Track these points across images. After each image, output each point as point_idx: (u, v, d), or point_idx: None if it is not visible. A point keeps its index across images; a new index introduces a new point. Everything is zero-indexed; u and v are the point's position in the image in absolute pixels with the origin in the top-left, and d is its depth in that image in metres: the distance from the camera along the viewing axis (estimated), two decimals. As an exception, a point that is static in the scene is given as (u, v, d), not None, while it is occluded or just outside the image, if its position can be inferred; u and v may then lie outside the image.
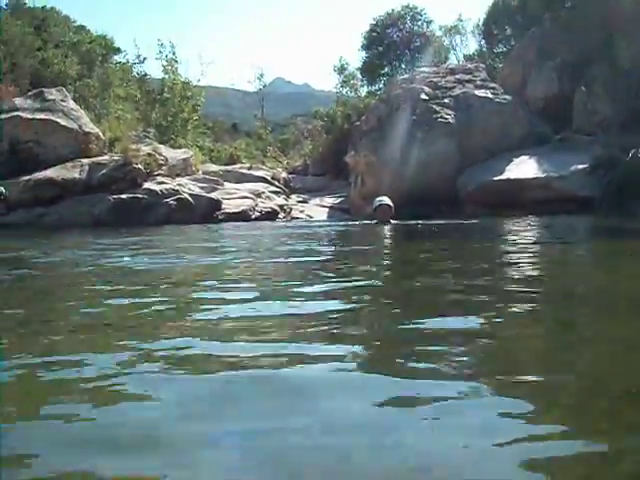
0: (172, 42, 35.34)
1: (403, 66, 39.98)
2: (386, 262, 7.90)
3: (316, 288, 4.96)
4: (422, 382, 2.41)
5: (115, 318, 3.95)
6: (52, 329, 3.65)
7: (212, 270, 6.77)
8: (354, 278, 5.59)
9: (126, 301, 4.48)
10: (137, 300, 4.50)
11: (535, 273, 6.02)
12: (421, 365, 2.63)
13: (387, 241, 11.70)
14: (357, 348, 2.95)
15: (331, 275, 6.03)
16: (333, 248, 10.15)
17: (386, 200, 15.63)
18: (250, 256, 8.49)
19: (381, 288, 5.27)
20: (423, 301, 4.39)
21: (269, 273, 6.52)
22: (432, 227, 14.27)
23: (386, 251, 9.66)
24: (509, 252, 8.17)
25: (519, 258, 7.27)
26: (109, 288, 5.26)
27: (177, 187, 19.19)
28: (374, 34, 41.95)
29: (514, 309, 3.90)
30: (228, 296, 4.59)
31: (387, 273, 6.65)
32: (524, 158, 19.53)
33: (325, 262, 7.64)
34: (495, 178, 18.80)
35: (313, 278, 5.77)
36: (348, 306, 4.15)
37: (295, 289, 4.94)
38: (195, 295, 4.89)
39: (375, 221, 15.50)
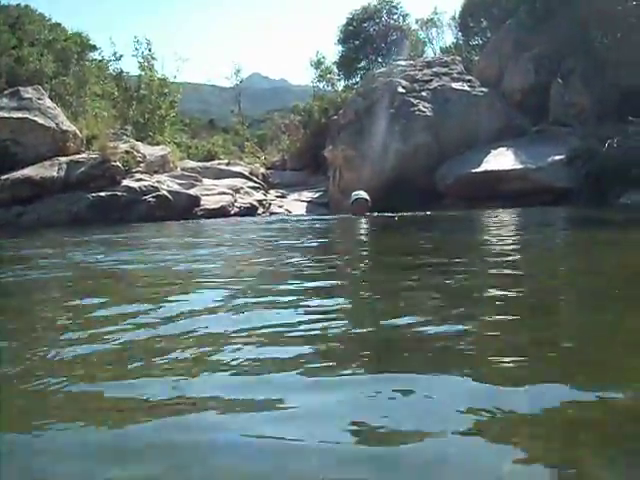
0: (148, 39, 35.21)
1: (380, 60, 39.99)
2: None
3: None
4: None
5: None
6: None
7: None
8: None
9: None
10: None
11: (506, 262, 6.03)
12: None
13: (362, 234, 11.71)
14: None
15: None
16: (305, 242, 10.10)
17: (363, 194, 15.89)
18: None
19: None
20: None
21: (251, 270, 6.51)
22: (400, 219, 14.44)
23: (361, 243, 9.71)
24: (480, 242, 8.26)
25: (488, 247, 7.35)
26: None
27: (156, 184, 19.16)
28: (350, 28, 41.92)
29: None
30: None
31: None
32: (502, 150, 19.60)
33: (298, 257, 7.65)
34: (473, 170, 18.86)
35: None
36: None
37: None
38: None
39: (352, 215, 15.68)
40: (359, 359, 2.74)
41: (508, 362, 2.56)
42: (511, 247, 7.40)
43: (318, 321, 3.31)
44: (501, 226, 11.25)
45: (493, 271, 5.33)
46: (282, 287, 4.82)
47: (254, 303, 4.07)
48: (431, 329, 3.03)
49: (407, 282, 4.73)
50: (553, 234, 9.58)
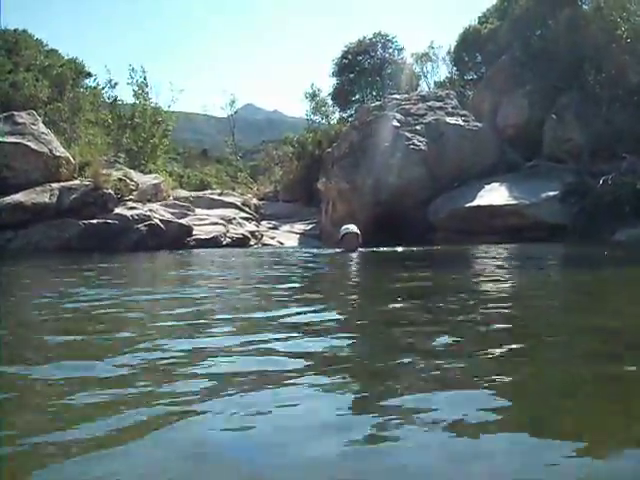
0: (143, 67, 35.17)
1: (374, 93, 40.13)
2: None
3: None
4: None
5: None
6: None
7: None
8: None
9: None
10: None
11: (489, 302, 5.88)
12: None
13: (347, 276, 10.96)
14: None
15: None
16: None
17: (352, 228, 15.60)
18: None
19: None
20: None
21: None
22: (391, 254, 14.27)
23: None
24: (471, 283, 8.02)
25: (479, 290, 7.16)
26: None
27: (148, 213, 19.01)
28: (345, 61, 42.08)
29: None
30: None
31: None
32: (495, 185, 19.61)
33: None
34: (466, 205, 18.84)
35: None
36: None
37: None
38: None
39: (342, 249, 15.40)
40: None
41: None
42: (499, 289, 7.13)
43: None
44: (494, 264, 11.08)
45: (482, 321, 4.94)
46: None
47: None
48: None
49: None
50: (544, 274, 9.39)
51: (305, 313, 5.16)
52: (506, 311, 5.18)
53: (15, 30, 33.29)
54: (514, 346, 3.70)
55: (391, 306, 5.56)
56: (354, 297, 6.89)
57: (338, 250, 15.61)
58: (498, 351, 3.55)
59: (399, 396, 2.69)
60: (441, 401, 2.60)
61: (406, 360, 3.29)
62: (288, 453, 2.16)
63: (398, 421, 2.37)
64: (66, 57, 34.31)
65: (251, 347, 3.68)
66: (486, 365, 3.24)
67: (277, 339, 3.89)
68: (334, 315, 5.20)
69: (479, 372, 3.06)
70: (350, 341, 4.04)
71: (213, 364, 3.31)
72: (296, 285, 8.32)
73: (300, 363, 3.28)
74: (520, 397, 2.73)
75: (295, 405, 2.61)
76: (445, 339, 3.86)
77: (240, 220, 23.50)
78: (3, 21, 36.46)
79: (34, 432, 2.34)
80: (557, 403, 2.64)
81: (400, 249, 15.09)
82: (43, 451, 2.21)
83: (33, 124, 20.67)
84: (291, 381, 2.92)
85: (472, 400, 2.60)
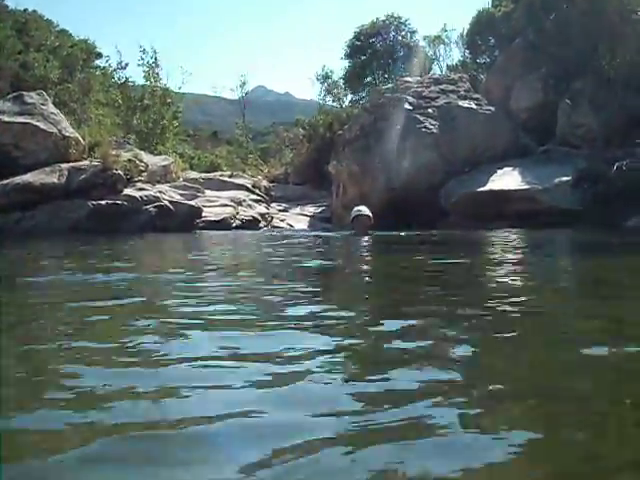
0: (154, 48, 35.04)
1: (386, 76, 39.92)
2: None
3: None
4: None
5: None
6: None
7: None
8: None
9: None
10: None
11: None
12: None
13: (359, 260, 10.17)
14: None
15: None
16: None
17: (364, 210, 15.11)
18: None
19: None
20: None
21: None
22: (403, 238, 14.03)
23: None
24: (482, 271, 7.75)
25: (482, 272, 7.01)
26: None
27: (157, 194, 18.91)
28: (357, 43, 41.87)
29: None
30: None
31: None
32: (507, 169, 19.45)
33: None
34: (478, 189, 18.69)
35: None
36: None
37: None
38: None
39: (353, 232, 15.07)
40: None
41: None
42: (512, 279, 6.80)
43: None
44: (506, 250, 10.85)
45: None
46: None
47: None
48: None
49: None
50: (554, 262, 9.16)
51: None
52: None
53: (25, 10, 33.30)
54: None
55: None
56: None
57: (349, 233, 15.33)
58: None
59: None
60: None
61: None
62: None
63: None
64: (77, 38, 34.26)
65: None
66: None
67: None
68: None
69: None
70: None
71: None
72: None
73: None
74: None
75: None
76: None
77: (250, 202, 23.43)
78: (14, 1, 36.42)
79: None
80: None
81: (417, 233, 14.85)
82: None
83: (42, 104, 20.58)
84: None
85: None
